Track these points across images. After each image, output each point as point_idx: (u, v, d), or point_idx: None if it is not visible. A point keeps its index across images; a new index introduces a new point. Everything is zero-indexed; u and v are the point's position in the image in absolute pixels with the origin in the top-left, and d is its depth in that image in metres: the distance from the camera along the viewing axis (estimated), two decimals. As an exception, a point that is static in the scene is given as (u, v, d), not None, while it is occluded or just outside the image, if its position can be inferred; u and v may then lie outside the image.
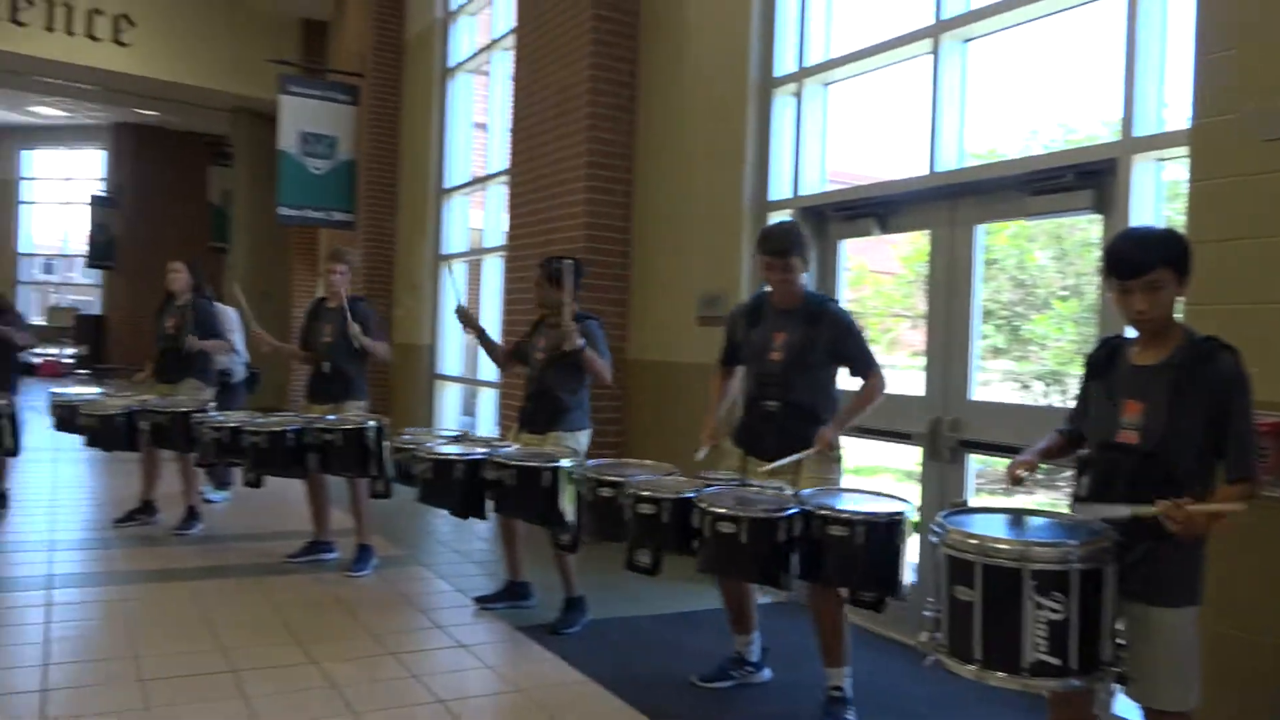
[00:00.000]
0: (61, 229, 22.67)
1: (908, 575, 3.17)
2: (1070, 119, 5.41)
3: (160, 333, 6.18)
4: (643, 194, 6.42)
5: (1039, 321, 7.85)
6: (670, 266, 6.12)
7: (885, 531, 3.09)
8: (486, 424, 8.85)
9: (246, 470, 5.19)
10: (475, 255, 9.37)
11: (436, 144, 9.98)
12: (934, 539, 2.41)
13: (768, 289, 3.79)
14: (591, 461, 4.20)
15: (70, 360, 20.06)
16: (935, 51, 4.57)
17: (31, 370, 19.73)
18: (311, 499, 5.59)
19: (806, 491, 3.35)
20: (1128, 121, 3.68)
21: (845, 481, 3.71)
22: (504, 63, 8.85)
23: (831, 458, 3.63)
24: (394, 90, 10.87)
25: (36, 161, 22.56)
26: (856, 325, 3.71)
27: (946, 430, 4.44)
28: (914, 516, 3.21)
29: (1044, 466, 3.00)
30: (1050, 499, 6.47)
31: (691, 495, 3.39)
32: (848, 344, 3.64)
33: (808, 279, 3.77)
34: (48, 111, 19.73)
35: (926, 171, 4.56)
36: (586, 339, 4.59)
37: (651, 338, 6.29)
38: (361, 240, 10.70)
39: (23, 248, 22.52)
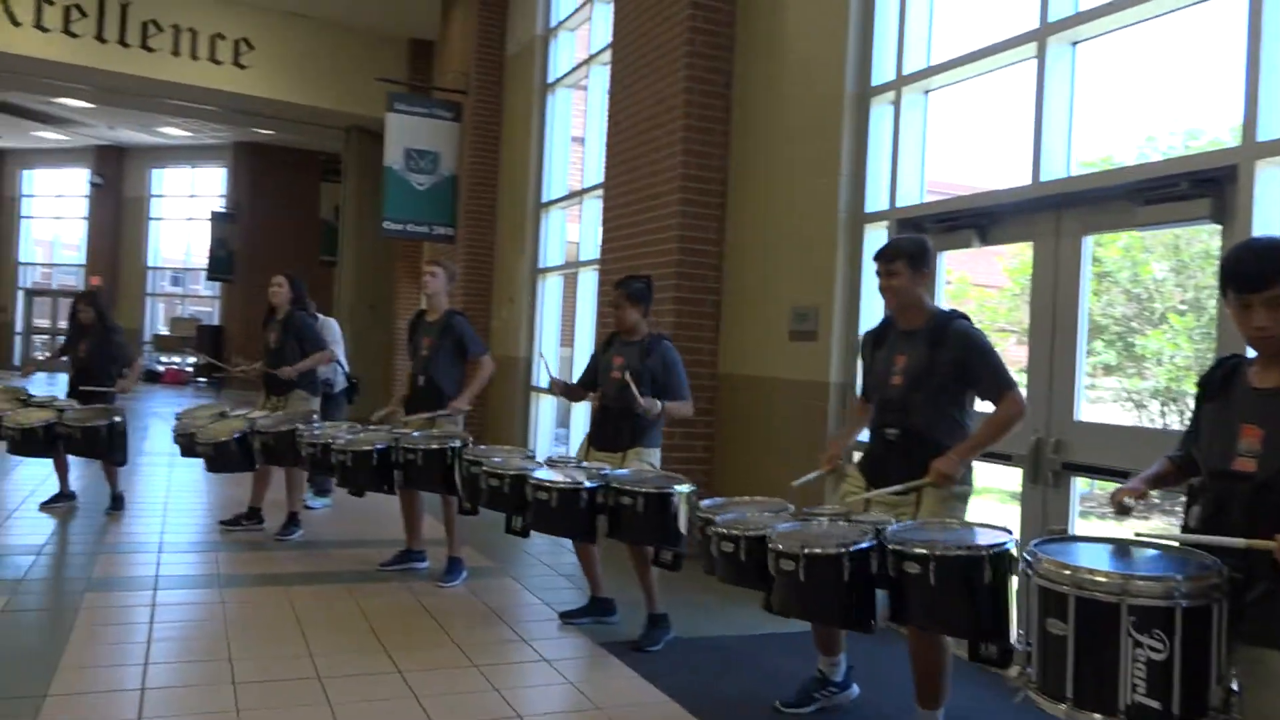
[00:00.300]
0: (185, 243, 23.81)
1: (1016, 618, 2.78)
2: (1186, 124, 5.13)
3: (264, 347, 6.39)
4: (736, 207, 6.35)
5: (1154, 337, 7.45)
6: (763, 280, 6.03)
7: (965, 568, 2.75)
8: (579, 436, 8.87)
9: (337, 484, 5.32)
10: (570, 269, 9.43)
11: (535, 158, 10.10)
12: (1025, 568, 2.27)
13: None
14: (706, 501, 4.10)
15: (191, 369, 21.01)
16: (1041, 55, 4.38)
17: (156, 378, 20.78)
18: (404, 510, 5.68)
19: (894, 526, 3.08)
20: (1250, 125, 3.45)
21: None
22: (602, 77, 8.91)
23: (953, 493, 3.33)
24: (495, 106, 11.07)
25: (165, 180, 23.78)
26: (986, 343, 3.40)
27: (1049, 452, 4.22)
28: (1013, 549, 2.83)
29: (1156, 493, 2.79)
30: (1165, 526, 6.11)
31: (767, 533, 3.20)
32: (974, 364, 3.35)
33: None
34: (175, 132, 20.80)
35: (1030, 181, 4.36)
36: (663, 367, 4.57)
37: (743, 353, 6.20)
38: (461, 254, 10.90)
39: (151, 261, 23.74)
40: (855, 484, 3.60)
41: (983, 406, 3.44)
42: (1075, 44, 4.35)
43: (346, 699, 3.57)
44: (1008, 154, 4.73)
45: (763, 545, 3.21)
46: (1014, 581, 2.77)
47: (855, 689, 3.78)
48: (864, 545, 2.95)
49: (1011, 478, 4.80)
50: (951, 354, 3.36)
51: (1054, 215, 4.31)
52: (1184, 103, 5.31)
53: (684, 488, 4.12)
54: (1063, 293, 4.26)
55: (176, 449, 6.30)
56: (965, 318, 3.50)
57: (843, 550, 2.94)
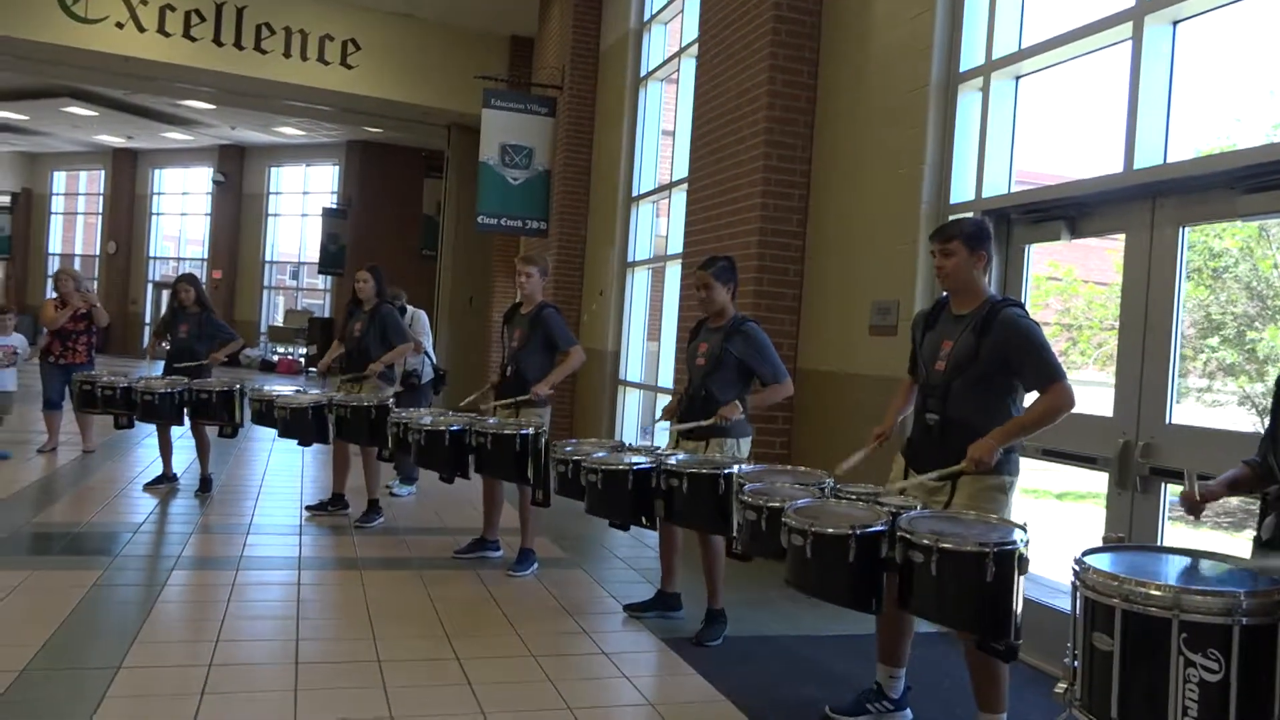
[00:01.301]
0: (299, 238, 24.72)
1: (1015, 619, 2.70)
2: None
3: (348, 335, 6.54)
4: (818, 199, 6.20)
5: (1271, 335, 6.97)
6: (845, 273, 5.87)
7: (966, 563, 2.69)
8: (664, 431, 8.83)
9: (414, 462, 5.45)
10: (659, 262, 9.39)
11: (626, 152, 10.10)
12: (1074, 578, 2.12)
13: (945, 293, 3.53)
14: (745, 468, 4.08)
15: (304, 358, 21.81)
16: (1137, 35, 4.12)
17: (271, 367, 21.65)
18: (484, 498, 5.75)
19: (913, 513, 3.03)
20: (1362, 105, 3.16)
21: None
22: (691, 69, 8.83)
23: (991, 484, 3.21)
24: (589, 100, 11.11)
25: (282, 177, 24.74)
26: (1034, 332, 3.25)
27: (1138, 456, 3.98)
28: (1024, 550, 2.72)
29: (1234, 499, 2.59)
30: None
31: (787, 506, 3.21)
32: (1017, 353, 3.22)
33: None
34: (291, 131, 21.60)
35: (1122, 169, 4.11)
36: (747, 350, 4.49)
37: (824, 347, 6.05)
38: (554, 247, 10.99)
39: (268, 256, 24.73)
40: (897, 465, 3.53)
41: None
42: (1175, 23, 4.08)
43: (401, 683, 3.61)
44: (1100, 142, 4.48)
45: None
46: (1021, 582, 2.70)
47: (909, 713, 3.61)
48: (875, 529, 2.95)
49: (1098, 482, 4.55)
50: (996, 342, 3.24)
51: (1148, 205, 4.06)
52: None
53: (738, 469, 4.00)
54: (1156, 287, 4.00)
55: (272, 432, 6.54)
56: (1019, 305, 3.37)
57: (851, 532, 2.94)
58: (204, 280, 23.73)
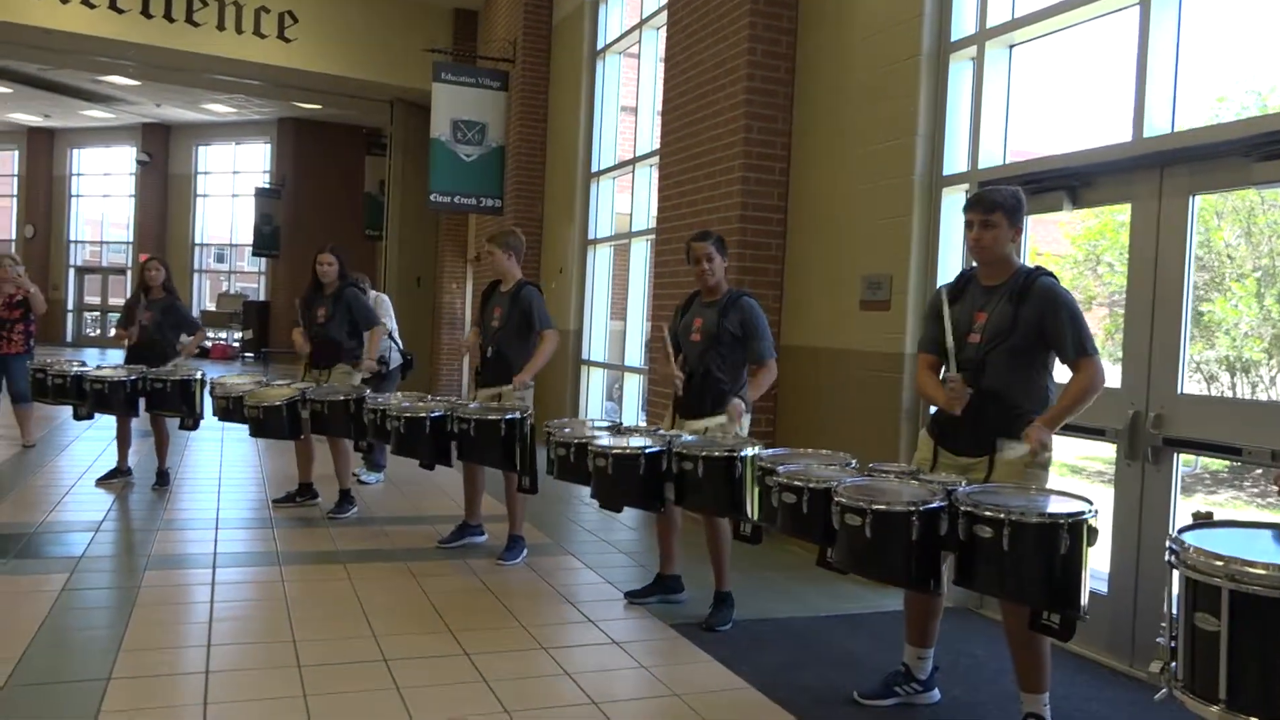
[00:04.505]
0: (230, 220, 23.92)
1: (1085, 592, 2.68)
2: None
3: (310, 321, 6.23)
4: (801, 172, 6.10)
5: (1219, 304, 7.10)
6: (830, 248, 5.78)
7: (1041, 536, 2.64)
8: (631, 409, 8.72)
9: (393, 452, 5.25)
10: (622, 239, 9.23)
11: (585, 127, 9.89)
12: (1171, 557, 2.05)
13: (974, 265, 3.44)
14: (768, 451, 3.97)
15: (238, 344, 21.16)
16: (1145, 1, 4.07)
17: (205, 353, 20.95)
18: (465, 483, 5.56)
19: (966, 488, 2.97)
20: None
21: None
22: (653, 42, 8.66)
23: (1037, 463, 3.16)
24: (543, 74, 10.85)
25: (210, 157, 23.88)
26: (1072, 301, 3.19)
27: (1148, 426, 3.97)
28: (1093, 521, 2.71)
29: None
30: None
31: (832, 486, 3.12)
32: (1055, 322, 3.15)
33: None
34: (219, 109, 20.82)
35: (1131, 137, 4.08)
36: (743, 325, 4.38)
37: (809, 323, 5.97)
38: (509, 226, 10.74)
39: (198, 238, 23.90)
40: (925, 448, 3.45)
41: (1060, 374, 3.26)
42: (1180, -11, 4.04)
43: (415, 683, 3.44)
44: (1099, 112, 4.44)
45: (827, 499, 3.15)
46: (1089, 553, 2.69)
47: (938, 694, 3.56)
48: (934, 505, 2.88)
49: (1101, 453, 4.55)
50: (1034, 311, 3.18)
51: (1155, 174, 4.03)
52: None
53: (751, 451, 3.90)
54: (1166, 256, 3.98)
55: (226, 424, 6.22)
56: (1051, 275, 3.30)
57: (913, 508, 2.87)
58: (129, 265, 22.97)
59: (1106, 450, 4.31)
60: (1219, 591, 1.95)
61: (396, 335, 7.63)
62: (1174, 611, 2.07)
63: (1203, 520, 2.21)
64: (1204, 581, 1.99)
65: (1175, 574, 2.05)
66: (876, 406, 5.23)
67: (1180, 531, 2.12)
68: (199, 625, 3.99)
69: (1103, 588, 4.11)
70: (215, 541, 5.36)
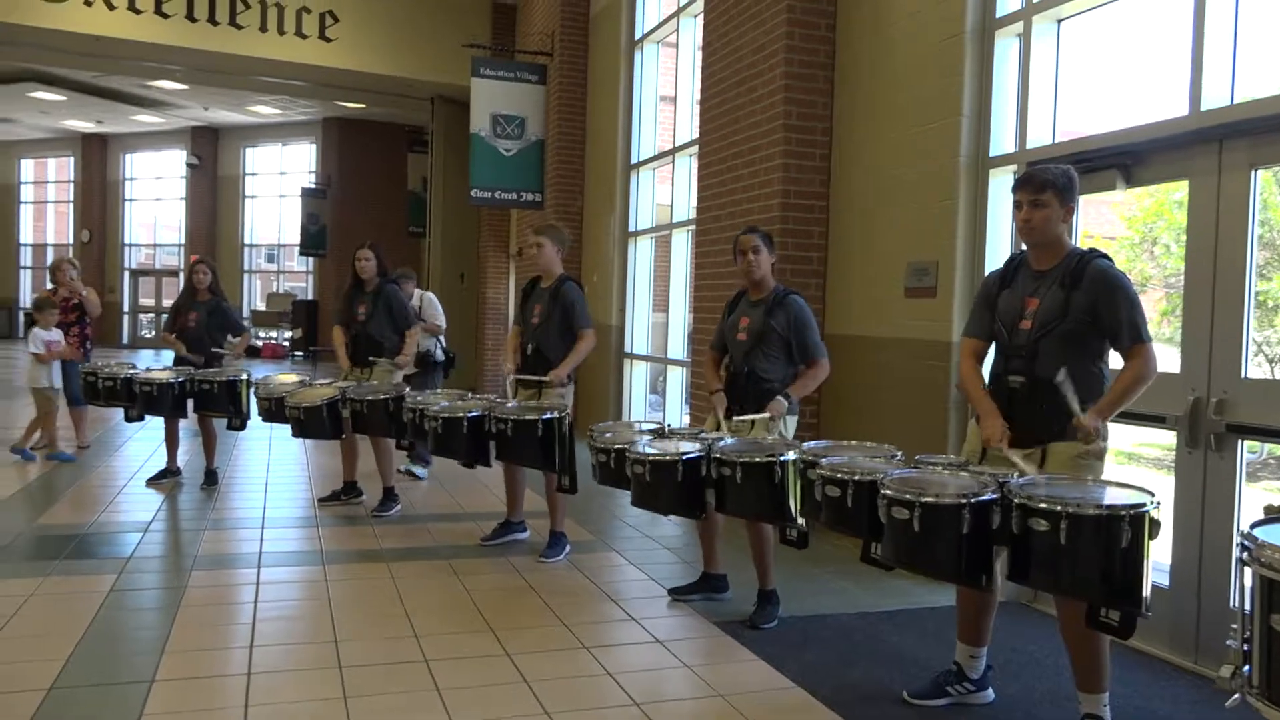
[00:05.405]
0: (278, 220, 24.22)
1: (1148, 587, 2.56)
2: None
3: (350, 319, 6.23)
4: (843, 157, 5.96)
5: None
6: (874, 235, 5.64)
7: (1100, 529, 2.52)
8: (674, 403, 8.64)
9: (431, 451, 5.24)
10: (664, 230, 9.14)
11: (624, 118, 9.81)
12: (1242, 555, 1.92)
13: (1024, 248, 3.31)
14: (810, 444, 3.87)
15: (288, 343, 21.43)
16: (1197, -30, 3.89)
17: (255, 352, 21.27)
18: (506, 480, 5.53)
19: (1019, 479, 2.85)
20: None
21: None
22: (692, 30, 8.56)
23: (1091, 452, 3.02)
24: (581, 66, 10.79)
25: (257, 158, 24.20)
26: (1127, 284, 3.05)
27: (1211, 413, 3.80)
28: (1154, 512, 2.58)
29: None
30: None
31: (878, 478, 3.03)
32: (1110, 307, 3.02)
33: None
34: (265, 110, 21.07)
35: (1186, 111, 3.90)
36: (791, 325, 4.30)
37: (852, 311, 5.84)
38: (550, 219, 10.70)
39: (247, 239, 24.24)
40: (974, 439, 3.31)
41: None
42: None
43: (457, 684, 3.40)
44: (1153, 86, 4.26)
45: (873, 491, 3.06)
46: (1151, 547, 2.57)
47: (991, 693, 3.44)
48: (986, 498, 2.77)
49: (1158, 439, 4.38)
50: (1087, 296, 3.04)
51: (1214, 149, 3.85)
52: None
53: (792, 455, 3.76)
54: (1226, 234, 3.80)
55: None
56: (1106, 257, 3.15)
57: (964, 501, 2.76)
58: (181, 267, 23.37)
59: (1165, 437, 4.14)
60: (1294, 591, 1.83)
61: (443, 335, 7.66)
62: (1246, 612, 1.95)
63: (1275, 514, 2.08)
64: (1278, 579, 1.86)
65: (1248, 572, 1.92)
66: (923, 397, 5.10)
67: (1252, 526, 1.99)
68: (243, 626, 3.99)
69: (1164, 581, 3.96)
70: (261, 541, 5.39)
